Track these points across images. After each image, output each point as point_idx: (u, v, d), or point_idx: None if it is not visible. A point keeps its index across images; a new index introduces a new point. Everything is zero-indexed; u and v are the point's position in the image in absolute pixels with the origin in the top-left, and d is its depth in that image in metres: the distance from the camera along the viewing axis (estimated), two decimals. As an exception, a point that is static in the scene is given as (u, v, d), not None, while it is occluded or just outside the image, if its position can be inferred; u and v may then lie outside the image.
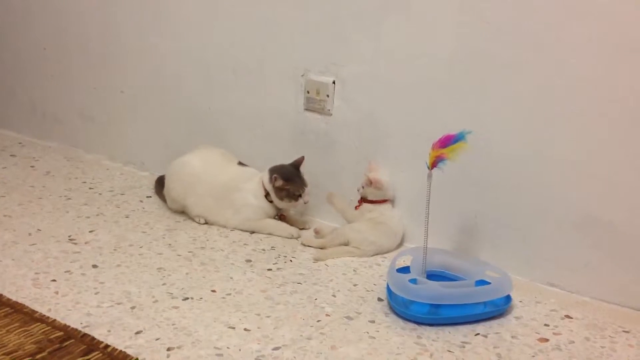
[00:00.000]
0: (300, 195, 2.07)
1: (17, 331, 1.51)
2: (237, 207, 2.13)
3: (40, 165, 2.65)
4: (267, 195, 2.11)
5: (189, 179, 2.17)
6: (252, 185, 2.13)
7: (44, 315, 1.58)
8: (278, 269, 1.89)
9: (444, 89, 1.92)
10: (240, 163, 2.21)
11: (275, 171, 2.08)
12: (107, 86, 2.68)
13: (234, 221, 2.13)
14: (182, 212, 2.22)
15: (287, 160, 2.14)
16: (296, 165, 2.11)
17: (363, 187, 2.04)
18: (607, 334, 1.63)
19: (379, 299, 1.75)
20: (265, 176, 2.11)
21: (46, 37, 2.82)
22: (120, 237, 2.04)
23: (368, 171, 2.04)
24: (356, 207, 2.07)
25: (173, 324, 1.57)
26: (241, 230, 2.13)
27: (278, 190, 2.07)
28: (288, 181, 2.07)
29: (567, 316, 1.71)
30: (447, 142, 1.67)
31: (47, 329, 1.52)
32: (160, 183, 2.35)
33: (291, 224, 2.15)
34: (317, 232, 2.09)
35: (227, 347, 1.49)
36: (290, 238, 2.09)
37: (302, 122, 2.19)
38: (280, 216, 2.17)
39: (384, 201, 2.04)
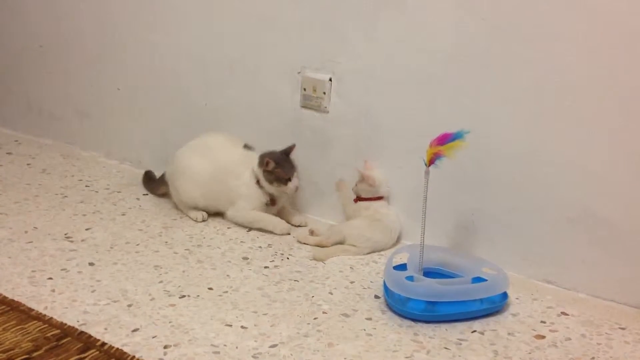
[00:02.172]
0: (289, 179, 2.07)
1: (13, 329, 1.51)
2: (234, 196, 2.13)
3: (37, 163, 2.65)
4: (258, 182, 2.11)
5: (190, 173, 2.17)
6: (247, 173, 2.13)
7: (41, 313, 1.58)
8: (275, 266, 1.89)
9: (441, 86, 1.92)
10: (246, 146, 2.19)
11: (266, 155, 2.08)
12: (104, 83, 2.67)
13: (231, 211, 2.13)
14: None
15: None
16: (287, 152, 2.10)
17: (356, 185, 2.05)
18: (603, 331, 1.63)
19: (376, 297, 1.75)
20: (255, 161, 2.10)
21: (42, 34, 2.82)
22: (117, 234, 2.03)
23: (363, 169, 2.04)
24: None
25: (170, 322, 1.57)
26: (236, 222, 2.13)
27: (268, 173, 2.07)
28: (278, 164, 2.06)
29: (564, 313, 1.71)
30: (445, 139, 1.67)
31: (43, 326, 1.52)
32: (150, 179, 2.40)
33: (287, 220, 2.15)
34: (312, 232, 2.08)
35: (224, 345, 1.49)
36: (281, 234, 2.09)
37: (298, 119, 2.19)
38: (272, 201, 2.14)
39: (378, 198, 2.05)
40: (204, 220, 2.16)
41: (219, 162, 2.15)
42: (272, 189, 2.09)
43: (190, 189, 2.16)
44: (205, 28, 2.36)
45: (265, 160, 2.06)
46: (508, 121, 1.83)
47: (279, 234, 2.09)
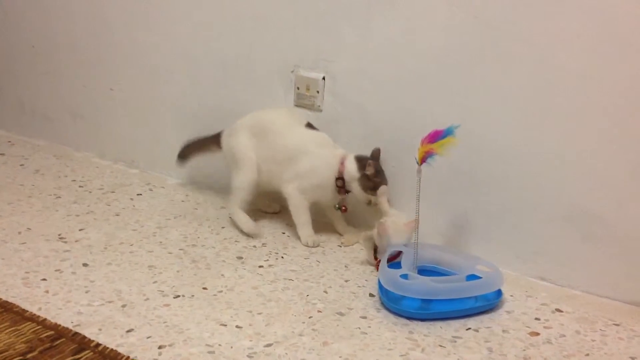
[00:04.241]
0: (373, 192, 1.95)
1: (7, 330, 1.50)
2: (301, 172, 2.01)
3: (30, 164, 2.64)
4: (337, 179, 1.99)
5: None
6: (327, 155, 1.99)
7: (35, 315, 1.57)
8: (269, 265, 1.89)
9: (434, 84, 1.92)
10: (309, 125, 2.07)
11: (367, 159, 1.95)
12: (96, 84, 2.67)
13: (292, 186, 2.01)
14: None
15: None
16: (376, 157, 1.98)
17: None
18: (597, 327, 1.64)
19: (371, 295, 1.75)
20: (350, 161, 1.96)
21: (35, 35, 2.81)
22: (111, 235, 2.03)
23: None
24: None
25: (164, 322, 1.57)
26: (290, 199, 2.03)
27: (365, 179, 1.94)
28: (378, 173, 1.95)
29: (558, 310, 1.71)
30: (436, 137, 1.68)
31: (37, 328, 1.52)
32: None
33: (340, 232, 2.10)
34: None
35: (219, 345, 1.49)
36: (306, 245, 2.02)
37: (292, 118, 2.19)
38: (342, 207, 2.04)
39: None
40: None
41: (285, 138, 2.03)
42: (362, 195, 1.97)
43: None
44: (198, 28, 2.35)
45: (368, 162, 1.93)
46: (501, 119, 1.84)
47: (302, 244, 2.02)
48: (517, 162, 1.83)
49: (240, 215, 2.08)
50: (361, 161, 1.96)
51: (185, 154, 2.30)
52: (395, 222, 1.86)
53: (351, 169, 1.97)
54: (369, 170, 1.94)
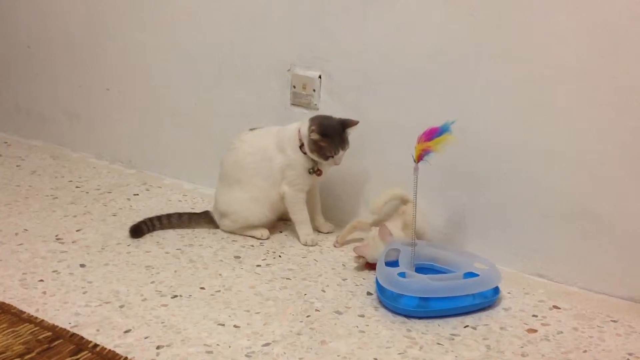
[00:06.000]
0: (331, 156, 1.93)
1: (5, 332, 1.50)
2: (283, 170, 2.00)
3: (26, 165, 2.63)
4: (301, 146, 1.97)
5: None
6: (288, 139, 1.98)
7: (32, 316, 1.57)
8: (267, 264, 1.89)
9: (431, 81, 1.92)
10: (251, 129, 2.07)
11: (316, 122, 1.93)
12: (92, 84, 2.67)
13: (285, 186, 2.00)
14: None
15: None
16: (345, 124, 1.94)
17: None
18: (595, 324, 1.64)
19: (368, 293, 1.75)
20: (305, 125, 1.95)
21: (30, 35, 2.80)
22: (108, 235, 2.03)
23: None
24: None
25: (162, 322, 1.57)
26: (286, 200, 2.01)
27: (312, 142, 1.92)
28: (325, 137, 1.91)
29: (555, 307, 1.72)
30: (432, 134, 1.68)
31: (35, 329, 1.52)
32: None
33: (316, 227, 2.10)
34: (337, 243, 2.03)
35: (217, 344, 1.49)
36: (305, 245, 2.02)
37: (289, 117, 2.18)
38: (317, 171, 2.00)
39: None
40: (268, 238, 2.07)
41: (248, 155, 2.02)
42: (313, 156, 1.95)
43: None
44: (195, 27, 2.35)
45: (310, 127, 1.92)
46: (498, 116, 1.84)
47: (302, 243, 2.02)
48: (514, 159, 1.83)
49: (248, 232, 2.07)
50: (312, 121, 1.95)
51: (144, 230, 2.06)
52: (373, 238, 1.85)
53: (304, 131, 1.96)
54: (313, 136, 1.92)
